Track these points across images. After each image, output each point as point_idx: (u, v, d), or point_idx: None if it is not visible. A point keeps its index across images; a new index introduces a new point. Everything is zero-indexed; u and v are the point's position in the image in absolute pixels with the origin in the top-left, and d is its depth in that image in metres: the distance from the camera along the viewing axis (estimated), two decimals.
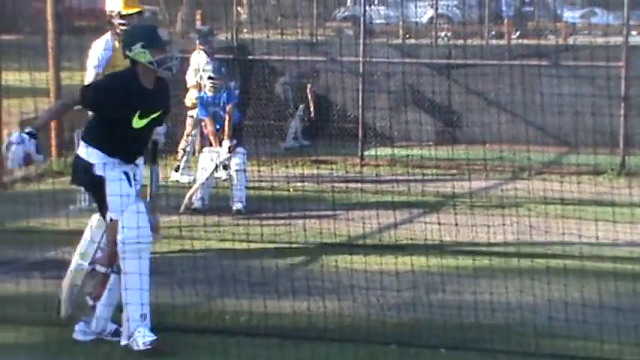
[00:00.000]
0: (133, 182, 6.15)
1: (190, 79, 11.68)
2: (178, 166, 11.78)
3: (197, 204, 10.06)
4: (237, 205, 10.06)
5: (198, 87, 11.34)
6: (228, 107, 10.34)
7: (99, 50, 8.28)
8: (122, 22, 8.10)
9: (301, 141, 14.58)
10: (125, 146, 6.09)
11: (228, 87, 10.63)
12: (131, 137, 6.11)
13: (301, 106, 14.71)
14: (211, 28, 12.91)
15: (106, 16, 8.40)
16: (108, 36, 8.37)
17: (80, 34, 14.21)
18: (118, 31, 8.16)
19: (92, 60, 8.32)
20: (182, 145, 11.76)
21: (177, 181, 11.53)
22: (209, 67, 10.53)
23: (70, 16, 21.41)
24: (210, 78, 10.44)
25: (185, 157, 11.77)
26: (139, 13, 8.24)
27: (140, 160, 6.37)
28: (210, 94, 10.45)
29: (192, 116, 11.55)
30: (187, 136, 11.77)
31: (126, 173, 6.11)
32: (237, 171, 10.11)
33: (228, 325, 6.50)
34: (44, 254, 7.88)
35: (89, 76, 8.31)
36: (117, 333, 6.17)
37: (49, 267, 7.65)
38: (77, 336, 6.15)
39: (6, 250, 7.96)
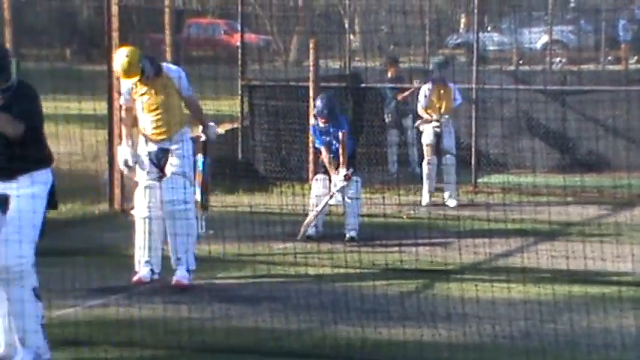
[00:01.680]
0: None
1: (419, 109, 12.60)
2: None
3: (310, 231, 10.19)
4: (350, 233, 10.16)
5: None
6: (340, 135, 10.41)
7: (124, 83, 8.30)
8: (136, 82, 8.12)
9: (415, 167, 14.62)
10: None
11: (337, 117, 10.65)
12: None
13: (392, 131, 14.76)
14: (446, 58, 13.38)
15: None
16: None
17: (197, 63, 14.59)
18: None
19: (122, 90, 8.45)
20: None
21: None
22: (317, 103, 10.64)
23: (188, 46, 22.03)
24: (314, 116, 10.56)
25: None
26: (140, 78, 8.04)
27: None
28: (321, 124, 10.55)
29: (428, 144, 12.41)
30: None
31: None
32: (351, 199, 10.20)
33: (342, 351, 6.58)
34: (165, 278, 8.12)
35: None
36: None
37: (169, 292, 7.91)
38: None
39: (129, 275, 8.23)
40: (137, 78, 8.04)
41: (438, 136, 12.41)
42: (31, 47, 13.33)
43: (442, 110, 12.44)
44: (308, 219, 10.15)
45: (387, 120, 14.66)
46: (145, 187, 8.16)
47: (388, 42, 17.14)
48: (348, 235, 10.14)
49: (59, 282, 7.72)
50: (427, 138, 12.50)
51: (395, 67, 15.12)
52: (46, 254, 8.89)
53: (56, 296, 7.58)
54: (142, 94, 8.15)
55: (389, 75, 15.05)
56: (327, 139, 10.43)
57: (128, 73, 8.02)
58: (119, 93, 8.54)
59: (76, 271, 8.05)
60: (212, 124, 8.73)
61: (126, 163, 8.21)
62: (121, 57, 8.07)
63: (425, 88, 12.63)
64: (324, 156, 10.47)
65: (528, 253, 9.22)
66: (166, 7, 12.68)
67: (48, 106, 10.25)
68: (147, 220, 8.12)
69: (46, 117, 11.94)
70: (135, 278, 8.12)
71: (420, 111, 12.61)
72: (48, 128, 11.58)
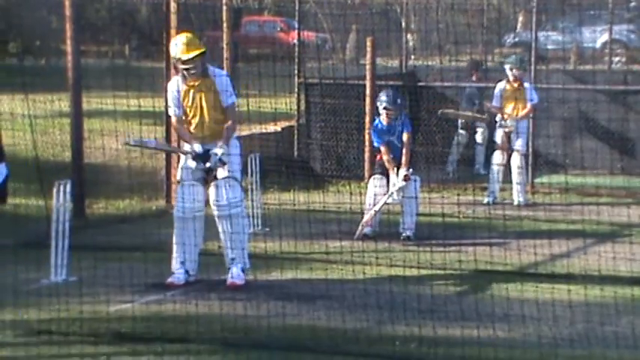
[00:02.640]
0: None
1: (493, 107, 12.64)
2: None
3: (367, 230, 10.16)
4: (406, 232, 10.10)
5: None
6: (405, 136, 10.34)
7: (169, 92, 8.20)
8: (185, 66, 7.97)
9: (480, 168, 14.47)
10: None
11: (403, 116, 10.58)
12: None
13: (462, 132, 14.65)
14: (522, 56, 13.30)
15: (174, 60, 8.12)
16: (177, 78, 8.20)
17: (255, 61, 14.63)
18: (185, 74, 8.05)
19: (168, 102, 8.30)
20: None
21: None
22: (384, 97, 10.54)
23: (245, 44, 22.10)
24: (385, 109, 10.45)
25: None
26: (202, 53, 8.00)
27: None
28: (384, 122, 10.48)
29: (498, 145, 12.45)
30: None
31: None
32: (409, 198, 10.12)
33: (399, 351, 6.53)
34: (220, 276, 8.14)
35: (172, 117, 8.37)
36: None
37: (225, 289, 7.92)
38: None
39: None
40: (200, 52, 7.93)
41: (509, 136, 12.32)
42: (90, 44, 13.48)
43: (515, 109, 12.33)
44: (365, 218, 10.10)
45: (459, 121, 14.57)
46: (187, 186, 8.11)
47: (445, 40, 17.01)
48: (404, 235, 10.09)
49: (117, 277, 7.79)
50: (498, 138, 12.43)
51: (478, 71, 15.09)
52: (103, 249, 9.06)
53: (114, 291, 7.66)
54: (189, 94, 8.07)
55: (473, 79, 15.01)
56: (390, 138, 10.37)
57: (190, 46, 7.94)
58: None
59: (133, 267, 8.11)
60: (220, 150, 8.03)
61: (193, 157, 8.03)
62: (180, 36, 8.09)
63: (500, 85, 12.53)
64: (385, 154, 10.37)
65: (588, 254, 9.09)
66: (224, 4, 12.68)
67: (108, 102, 10.41)
68: (185, 220, 8.08)
69: (105, 113, 12.11)
70: (168, 280, 8.08)
71: (494, 109, 12.51)
72: (107, 124, 11.80)
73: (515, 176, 12.31)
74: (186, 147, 8.16)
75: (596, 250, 9.31)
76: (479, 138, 14.43)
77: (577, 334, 6.78)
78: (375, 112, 11.04)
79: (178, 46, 8.03)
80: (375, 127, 10.59)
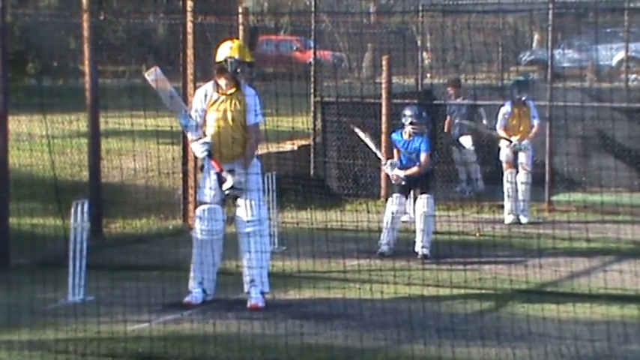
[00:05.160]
0: None
1: (498, 129, 12.50)
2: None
3: (383, 248, 10.15)
4: (423, 251, 10.07)
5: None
6: (422, 156, 10.30)
7: (198, 96, 8.21)
8: (239, 68, 7.99)
9: (476, 186, 14.39)
10: None
11: (425, 134, 10.53)
12: None
13: (468, 148, 14.60)
14: (526, 79, 13.28)
15: (216, 65, 8.14)
16: (208, 85, 8.21)
17: (271, 80, 14.63)
18: (220, 81, 8.10)
19: (194, 105, 8.24)
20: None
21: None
22: (409, 112, 10.51)
23: (261, 63, 22.13)
24: (411, 123, 10.40)
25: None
26: (252, 62, 8.17)
27: None
28: (405, 137, 10.45)
29: (506, 162, 12.34)
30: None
31: None
32: (424, 216, 10.10)
33: None
34: (238, 295, 8.12)
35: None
36: None
37: (242, 308, 7.90)
38: None
39: None
40: (253, 60, 8.10)
41: (516, 153, 12.29)
42: (108, 64, 13.54)
43: (521, 129, 12.31)
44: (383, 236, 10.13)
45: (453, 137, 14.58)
46: (207, 208, 8.08)
47: (461, 59, 17.00)
48: (420, 253, 10.06)
49: (134, 297, 7.79)
50: (504, 155, 12.39)
51: (456, 87, 15.04)
52: (120, 269, 9.06)
53: (131, 311, 7.66)
54: (218, 105, 8.07)
55: (451, 93, 15.00)
56: (405, 154, 10.35)
57: (245, 50, 8.10)
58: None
59: (150, 287, 8.10)
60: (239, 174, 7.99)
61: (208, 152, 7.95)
62: (233, 41, 8.21)
63: (503, 109, 12.49)
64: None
65: (609, 273, 9.00)
66: (241, 24, 12.74)
67: (125, 122, 10.43)
68: (205, 241, 8.05)
69: (123, 133, 12.15)
70: (186, 299, 8.08)
71: (499, 131, 12.48)
72: (125, 144, 11.84)
73: (520, 193, 12.25)
74: (197, 145, 8.02)
75: (616, 268, 9.25)
76: (466, 156, 14.44)
77: (598, 352, 6.72)
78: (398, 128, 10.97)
79: (232, 48, 8.07)
80: (392, 142, 10.57)
